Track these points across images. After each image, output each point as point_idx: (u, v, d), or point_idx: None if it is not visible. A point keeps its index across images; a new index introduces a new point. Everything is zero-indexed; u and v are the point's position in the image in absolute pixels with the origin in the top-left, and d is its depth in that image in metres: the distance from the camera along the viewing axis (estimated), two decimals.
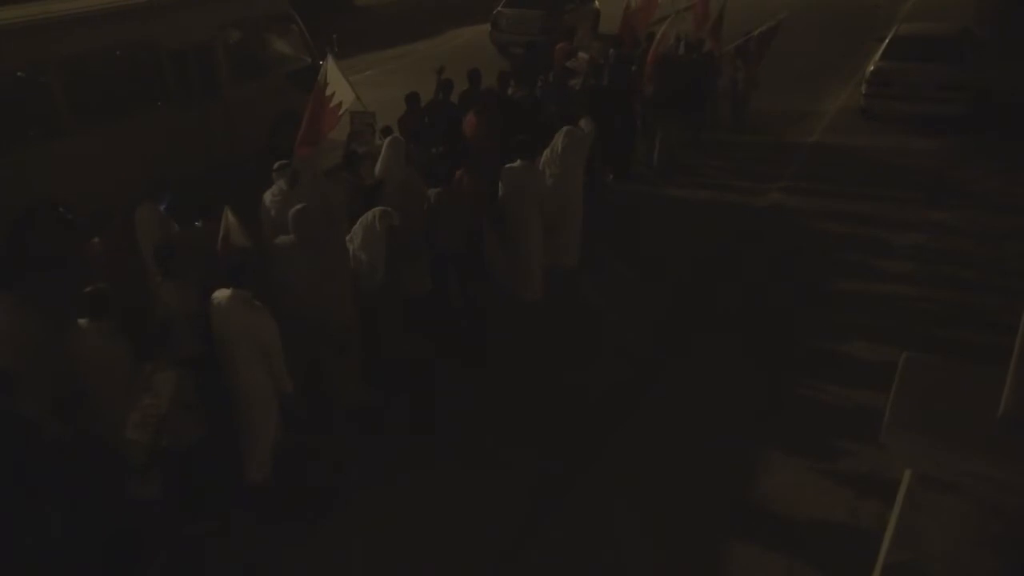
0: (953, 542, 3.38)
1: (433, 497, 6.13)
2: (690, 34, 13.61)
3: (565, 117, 9.32)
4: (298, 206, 6.43)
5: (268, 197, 7.61)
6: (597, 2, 20.86)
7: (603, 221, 10.06)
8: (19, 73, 9.16)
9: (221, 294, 5.66)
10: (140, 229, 6.89)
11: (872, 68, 14.03)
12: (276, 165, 7.69)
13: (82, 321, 5.33)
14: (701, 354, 7.97)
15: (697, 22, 14.25)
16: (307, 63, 12.72)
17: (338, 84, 8.92)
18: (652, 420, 7.02)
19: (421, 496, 6.13)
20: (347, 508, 6.06)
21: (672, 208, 11.28)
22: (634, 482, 6.27)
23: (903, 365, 3.81)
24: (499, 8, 19.35)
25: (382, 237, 6.69)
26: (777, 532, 5.78)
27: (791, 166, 12.61)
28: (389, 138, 8.23)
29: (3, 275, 6.59)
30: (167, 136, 10.55)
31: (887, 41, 14.49)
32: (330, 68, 8.88)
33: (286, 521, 5.88)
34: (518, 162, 8.06)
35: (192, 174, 10.08)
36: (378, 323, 7.00)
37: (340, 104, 8.97)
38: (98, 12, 10.13)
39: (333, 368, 6.63)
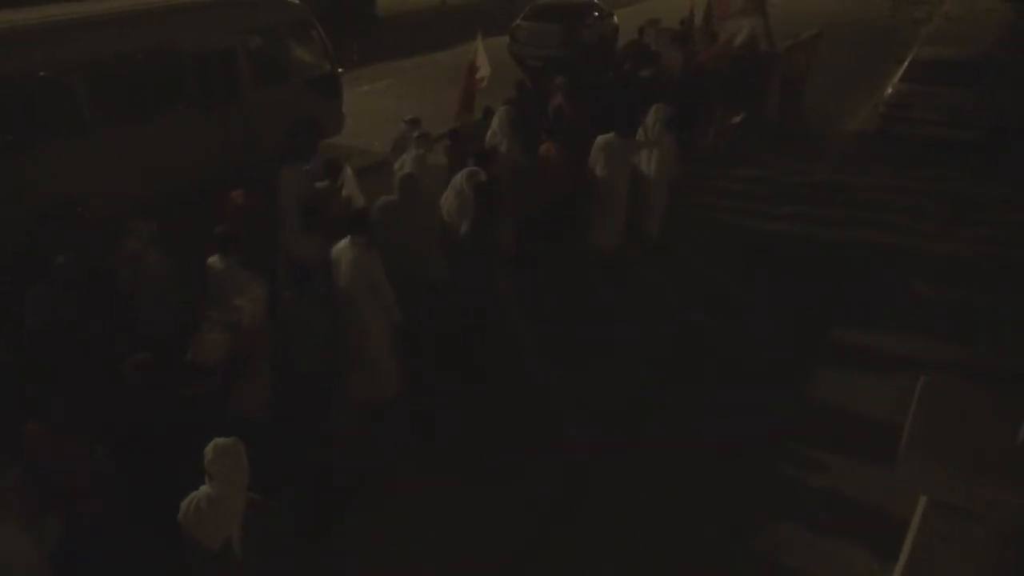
0: (968, 570, 3.34)
1: (436, 510, 6.11)
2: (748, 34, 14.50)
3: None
4: (405, 171, 7.43)
5: (407, 161, 8.41)
6: (616, 17, 20.91)
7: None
8: (41, 73, 9.24)
9: (342, 241, 6.42)
10: (284, 187, 7.96)
11: (890, 90, 13.98)
12: (417, 134, 8.64)
13: (213, 258, 6.41)
14: (720, 357, 8.02)
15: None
16: (327, 70, 12.82)
17: (482, 60, 10.54)
18: (668, 429, 7.02)
19: (422, 507, 6.11)
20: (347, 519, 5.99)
21: (729, 191, 12.32)
22: (647, 498, 6.25)
23: (921, 389, 3.76)
24: (518, 21, 19.40)
25: (469, 194, 7.52)
26: (787, 558, 5.73)
27: (835, 155, 13.63)
28: (502, 108, 9.39)
29: (26, 272, 6.66)
30: (187, 138, 10.65)
31: (906, 63, 14.43)
32: (479, 45, 10.53)
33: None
34: (612, 135, 9.04)
35: (211, 175, 10.22)
36: (462, 273, 7.50)
37: (483, 78, 10.69)
38: (121, 15, 10.22)
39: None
